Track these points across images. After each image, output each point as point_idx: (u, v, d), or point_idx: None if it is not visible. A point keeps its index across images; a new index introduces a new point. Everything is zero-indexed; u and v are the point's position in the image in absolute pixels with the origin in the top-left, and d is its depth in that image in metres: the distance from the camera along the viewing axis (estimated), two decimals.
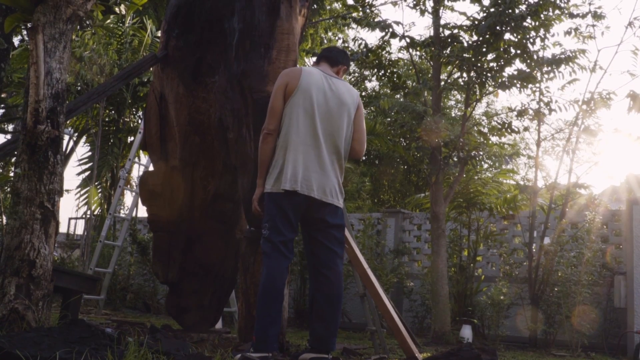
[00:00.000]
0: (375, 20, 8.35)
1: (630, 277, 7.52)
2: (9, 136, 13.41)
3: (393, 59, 8.70)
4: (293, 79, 3.69)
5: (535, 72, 7.68)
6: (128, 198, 28.39)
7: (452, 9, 8.41)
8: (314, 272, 3.72)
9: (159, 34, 10.10)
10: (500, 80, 7.77)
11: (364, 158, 13.39)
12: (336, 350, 4.82)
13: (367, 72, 9.33)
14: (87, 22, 10.70)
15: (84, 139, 13.22)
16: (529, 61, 7.67)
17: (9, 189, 11.25)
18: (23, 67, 11.28)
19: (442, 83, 8.32)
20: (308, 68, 3.81)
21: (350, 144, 3.84)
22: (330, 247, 3.68)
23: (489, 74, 7.81)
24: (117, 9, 11.38)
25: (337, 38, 14.04)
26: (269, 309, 3.44)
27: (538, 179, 8.13)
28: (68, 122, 10.04)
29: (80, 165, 12.87)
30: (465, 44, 7.93)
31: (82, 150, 19.20)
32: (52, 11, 3.46)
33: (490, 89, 8.15)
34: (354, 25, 12.11)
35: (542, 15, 7.47)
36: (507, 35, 7.61)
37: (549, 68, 7.64)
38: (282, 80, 3.72)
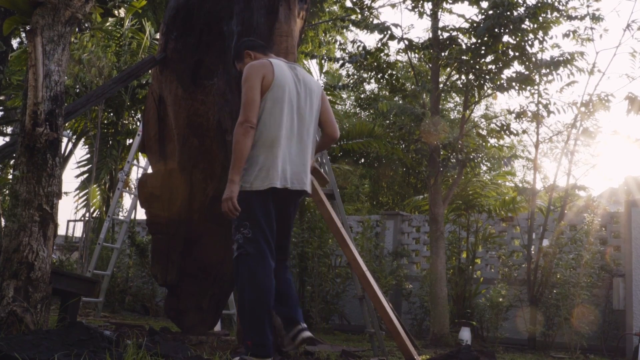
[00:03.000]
0: (374, 22, 8.36)
1: (629, 279, 7.52)
2: (7, 139, 13.41)
3: (391, 61, 8.71)
4: (269, 72, 3.57)
5: (533, 74, 7.69)
6: (127, 200, 28.30)
7: (451, 12, 8.44)
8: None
9: (157, 36, 10.10)
10: (498, 83, 7.78)
11: (362, 160, 13.41)
12: (335, 353, 4.82)
13: (365, 75, 9.32)
14: (86, 25, 10.71)
15: (82, 141, 13.20)
16: (527, 63, 7.69)
17: (7, 192, 11.25)
18: (22, 70, 11.28)
19: (441, 85, 8.33)
20: (274, 60, 3.67)
21: (323, 129, 3.85)
22: (288, 240, 3.75)
23: (487, 76, 7.82)
24: (115, 12, 11.40)
25: (335, 40, 14.06)
26: (263, 312, 3.36)
27: (537, 181, 8.15)
28: (67, 124, 10.05)
29: (78, 167, 12.87)
30: (464, 46, 7.94)
31: (81, 152, 19.27)
32: (50, 14, 3.46)
33: (489, 91, 8.16)
34: (352, 28, 12.15)
35: (540, 18, 7.49)
36: (505, 38, 7.63)
37: (548, 70, 7.65)
38: (258, 73, 3.56)
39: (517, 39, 7.58)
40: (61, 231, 14.69)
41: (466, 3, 8.09)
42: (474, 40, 7.85)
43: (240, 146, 3.44)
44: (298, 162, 3.57)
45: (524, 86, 7.74)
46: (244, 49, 3.84)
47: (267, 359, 3.31)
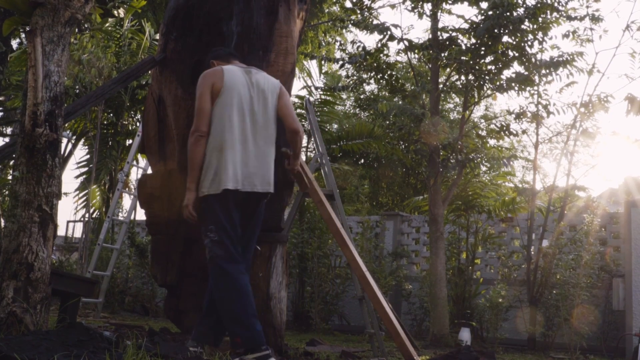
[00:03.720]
0: (374, 23, 8.36)
1: (629, 280, 7.53)
2: (7, 139, 13.41)
3: (391, 61, 8.71)
4: (218, 79, 3.69)
5: (533, 75, 7.69)
6: (126, 201, 28.31)
7: (450, 12, 8.44)
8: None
9: (157, 36, 10.11)
10: (498, 83, 7.79)
11: (362, 160, 13.40)
12: (335, 353, 4.82)
13: (365, 75, 9.32)
14: (86, 25, 10.71)
15: (82, 141, 13.20)
16: (527, 64, 7.69)
17: (7, 192, 11.25)
18: (21, 70, 11.28)
19: (441, 86, 8.33)
20: (228, 66, 3.81)
21: (284, 123, 3.89)
22: (253, 236, 3.79)
23: (487, 77, 7.82)
24: (115, 12, 11.41)
25: (335, 41, 14.07)
26: (241, 306, 3.45)
27: (536, 182, 8.15)
28: (66, 124, 10.05)
29: (78, 168, 12.86)
30: (464, 47, 7.94)
31: (81, 153, 19.28)
32: (50, 14, 3.46)
33: (489, 91, 8.17)
34: (352, 28, 12.15)
35: (540, 18, 7.49)
36: (505, 38, 7.63)
37: (547, 71, 7.66)
38: (207, 82, 3.70)
39: (517, 40, 7.58)
40: (61, 232, 14.71)
41: (466, 4, 8.10)
42: (473, 40, 7.85)
43: (192, 155, 3.64)
44: (252, 164, 3.65)
45: (523, 87, 7.74)
46: (210, 60, 3.98)
47: (262, 347, 3.38)
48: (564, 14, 7.72)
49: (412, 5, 8.30)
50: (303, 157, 7.94)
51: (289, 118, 3.87)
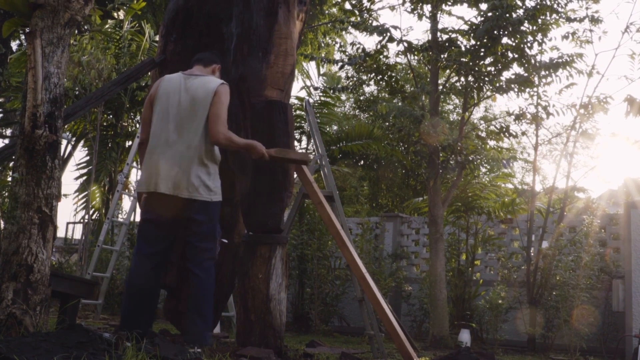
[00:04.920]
0: (373, 24, 8.36)
1: (629, 281, 7.52)
2: (7, 141, 13.40)
3: (391, 63, 8.71)
4: (155, 88, 3.97)
5: (532, 76, 7.70)
6: (126, 202, 28.25)
7: (450, 14, 8.44)
8: (187, 271, 3.93)
9: (157, 38, 10.11)
10: (497, 85, 7.79)
11: (361, 162, 13.40)
12: (335, 355, 4.81)
13: (364, 77, 9.32)
14: (85, 27, 10.72)
15: (82, 143, 13.19)
16: (526, 65, 7.69)
17: (6, 194, 11.24)
18: (21, 72, 11.27)
19: (440, 87, 8.34)
20: (170, 75, 4.03)
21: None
22: (192, 243, 3.86)
23: (486, 78, 7.82)
24: (115, 14, 11.41)
25: (335, 42, 14.07)
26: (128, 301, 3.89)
27: (536, 183, 8.15)
28: (66, 126, 10.05)
29: (78, 169, 12.84)
30: (463, 48, 7.95)
31: (80, 154, 19.25)
32: (50, 16, 3.45)
33: (488, 93, 8.17)
34: (352, 30, 12.14)
35: (539, 20, 7.49)
36: (504, 40, 7.63)
37: (547, 72, 7.66)
38: (149, 92, 4.02)
39: (516, 41, 7.58)
40: (60, 233, 14.66)
41: (465, 5, 8.11)
42: (473, 42, 7.86)
43: (139, 161, 4.13)
44: (169, 168, 3.77)
45: (523, 88, 7.74)
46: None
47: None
48: (564, 16, 7.72)
49: (412, 6, 8.30)
50: None
51: (212, 125, 3.84)
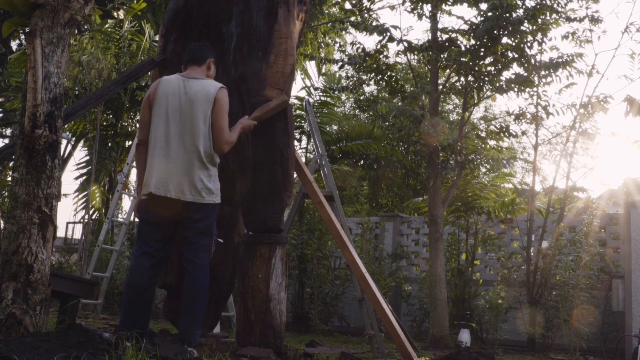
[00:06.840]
0: (373, 24, 8.36)
1: (628, 281, 7.53)
2: (6, 140, 13.40)
3: (391, 63, 8.71)
4: (153, 90, 3.95)
5: (532, 76, 7.70)
6: (126, 202, 28.24)
7: (450, 13, 8.45)
8: (183, 268, 3.94)
9: (157, 38, 10.11)
10: (497, 84, 7.79)
11: (361, 162, 13.40)
12: (335, 354, 4.81)
13: (364, 77, 9.33)
14: (85, 27, 10.72)
15: (81, 143, 13.19)
16: (526, 65, 7.70)
17: (6, 193, 11.24)
18: (21, 71, 11.27)
19: (440, 87, 8.33)
20: (168, 77, 4.01)
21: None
22: (191, 241, 3.87)
23: (486, 78, 7.82)
24: (115, 13, 11.41)
25: (334, 42, 14.06)
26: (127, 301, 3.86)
27: (536, 183, 8.15)
28: (66, 126, 10.04)
29: (78, 169, 12.85)
30: (463, 48, 7.95)
31: (80, 154, 19.24)
32: (50, 15, 3.45)
33: (488, 93, 8.17)
34: (351, 30, 12.15)
35: (539, 19, 7.50)
36: (504, 39, 7.63)
37: (547, 72, 7.67)
38: (147, 93, 3.99)
39: (516, 41, 7.58)
40: (60, 233, 14.68)
41: (465, 5, 8.11)
42: (473, 42, 7.86)
43: (136, 161, 4.06)
44: (167, 170, 3.78)
45: (523, 88, 7.75)
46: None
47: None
48: (564, 15, 7.73)
49: (412, 6, 8.30)
50: (303, 159, 7.99)
51: (215, 130, 3.88)
